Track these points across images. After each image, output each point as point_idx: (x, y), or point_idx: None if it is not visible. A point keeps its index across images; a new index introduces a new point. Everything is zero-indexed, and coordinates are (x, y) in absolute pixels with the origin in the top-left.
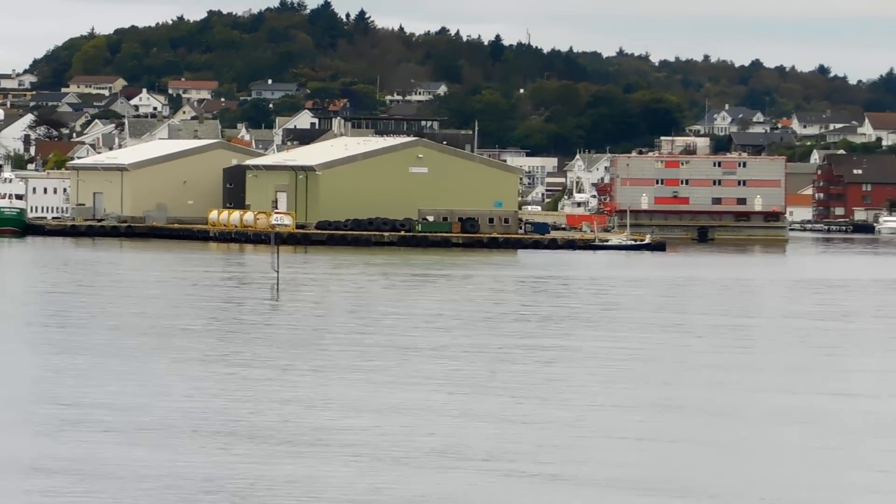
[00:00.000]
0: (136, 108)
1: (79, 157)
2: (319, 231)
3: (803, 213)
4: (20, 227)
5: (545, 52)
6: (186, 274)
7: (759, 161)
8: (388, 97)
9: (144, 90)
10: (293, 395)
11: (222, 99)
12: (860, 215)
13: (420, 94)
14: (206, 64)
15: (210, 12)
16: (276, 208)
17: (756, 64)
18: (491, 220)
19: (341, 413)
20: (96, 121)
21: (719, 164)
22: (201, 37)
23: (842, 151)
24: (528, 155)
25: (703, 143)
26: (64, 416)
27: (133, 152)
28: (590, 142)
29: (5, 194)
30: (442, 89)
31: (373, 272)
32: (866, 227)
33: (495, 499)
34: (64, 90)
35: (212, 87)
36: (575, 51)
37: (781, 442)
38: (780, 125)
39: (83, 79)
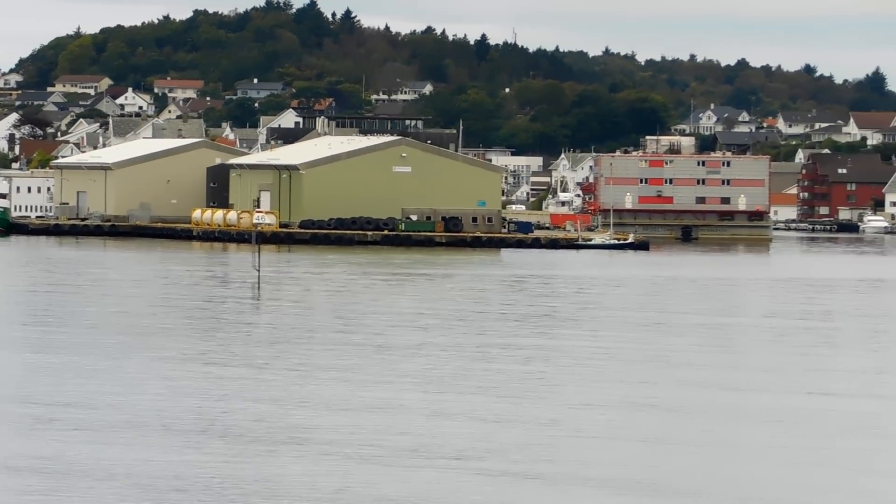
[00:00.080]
0: (122, 107)
1: (63, 157)
2: (303, 230)
3: (788, 213)
4: (3, 226)
5: (531, 51)
6: (168, 273)
7: (743, 160)
8: (374, 96)
9: (130, 89)
10: (268, 394)
11: (208, 98)
12: (845, 215)
13: (406, 93)
14: (191, 63)
15: (196, 11)
16: (258, 207)
17: (742, 63)
18: (474, 220)
19: (315, 411)
20: (81, 120)
21: (703, 164)
22: (187, 36)
23: (826, 151)
24: (513, 154)
25: (688, 142)
26: (37, 414)
27: (117, 151)
28: (575, 141)
29: None
30: (428, 89)
31: (355, 271)
32: (851, 227)
33: (462, 498)
34: (50, 89)
35: (197, 86)
36: (561, 50)
37: (754, 441)
38: (765, 125)
39: (69, 78)
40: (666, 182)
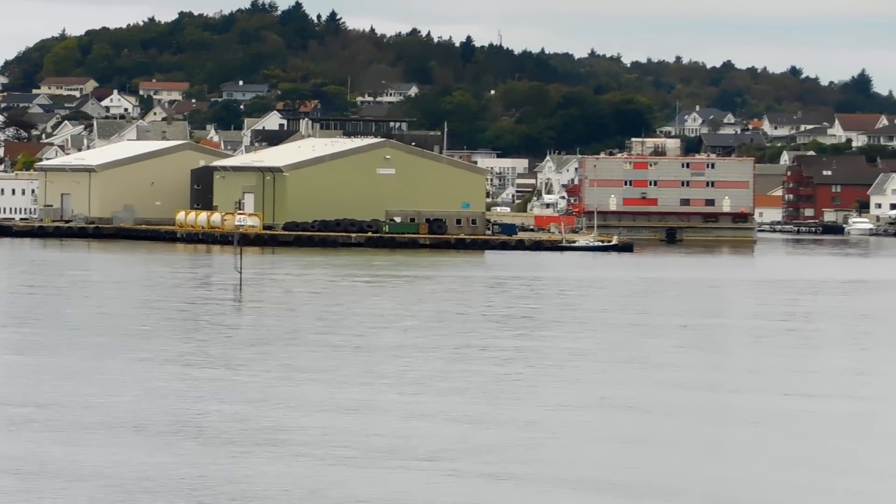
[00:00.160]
0: (108, 109)
1: (47, 159)
2: (286, 232)
3: (773, 215)
4: None
5: (516, 53)
6: (151, 274)
7: (728, 162)
8: (359, 98)
9: (115, 91)
10: (244, 395)
11: (193, 100)
12: (830, 216)
13: (391, 95)
14: (177, 65)
15: (181, 13)
16: (240, 209)
17: (728, 65)
18: (458, 222)
19: (291, 413)
20: (65, 122)
21: (688, 166)
22: (172, 38)
23: (811, 153)
24: (498, 156)
25: (673, 144)
26: (12, 415)
27: (101, 153)
28: (560, 143)
29: None
30: (413, 90)
31: (337, 273)
32: (836, 229)
33: (434, 499)
34: (35, 91)
35: (183, 88)
36: (546, 52)
37: (732, 441)
38: (751, 126)
39: (54, 80)
40: (650, 184)
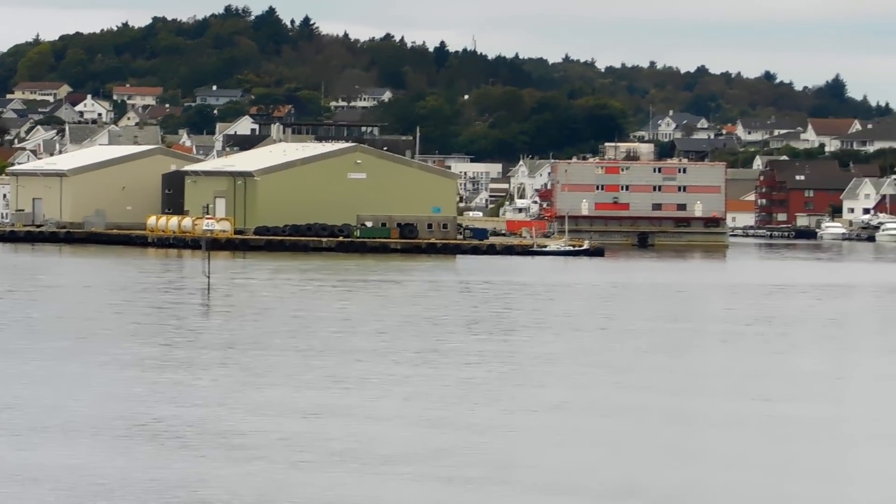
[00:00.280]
0: (81, 114)
1: (19, 164)
2: (257, 237)
3: (746, 219)
4: None
5: (490, 58)
6: (120, 279)
7: (700, 167)
8: (333, 103)
9: (89, 96)
10: (204, 399)
11: (167, 105)
12: (802, 221)
13: (365, 100)
14: (150, 70)
15: (155, 18)
16: (208, 214)
17: (702, 70)
18: (430, 226)
19: (249, 416)
20: (38, 127)
21: (659, 170)
22: (146, 43)
23: (784, 158)
24: (472, 161)
25: (647, 149)
26: None
27: (72, 158)
28: (534, 148)
29: None
30: (387, 95)
31: (307, 277)
32: (808, 233)
33: (388, 502)
34: (9, 96)
35: (156, 92)
36: (521, 57)
37: (690, 443)
38: (724, 131)
39: (28, 85)
40: (622, 189)
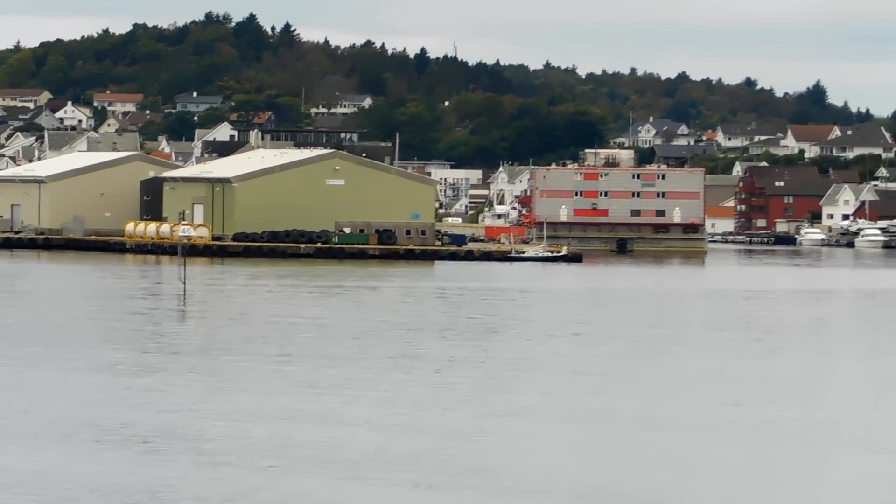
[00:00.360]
0: (62, 120)
1: None
2: (236, 243)
3: (725, 225)
4: None
5: (471, 65)
6: (97, 285)
7: (678, 173)
8: (314, 110)
9: (70, 103)
10: (173, 404)
11: (147, 111)
12: (782, 227)
13: (345, 106)
14: (131, 76)
15: (135, 25)
16: (184, 220)
17: (682, 76)
18: (408, 232)
19: (218, 421)
20: (17, 133)
21: (638, 177)
22: (126, 49)
23: (764, 164)
24: (452, 167)
25: (627, 155)
26: None
27: (51, 165)
28: (514, 154)
29: None
30: (367, 102)
31: (284, 283)
32: (788, 239)
33: None
34: None
35: (137, 99)
36: (502, 64)
37: (656, 449)
38: (704, 137)
39: (8, 91)
40: (601, 195)
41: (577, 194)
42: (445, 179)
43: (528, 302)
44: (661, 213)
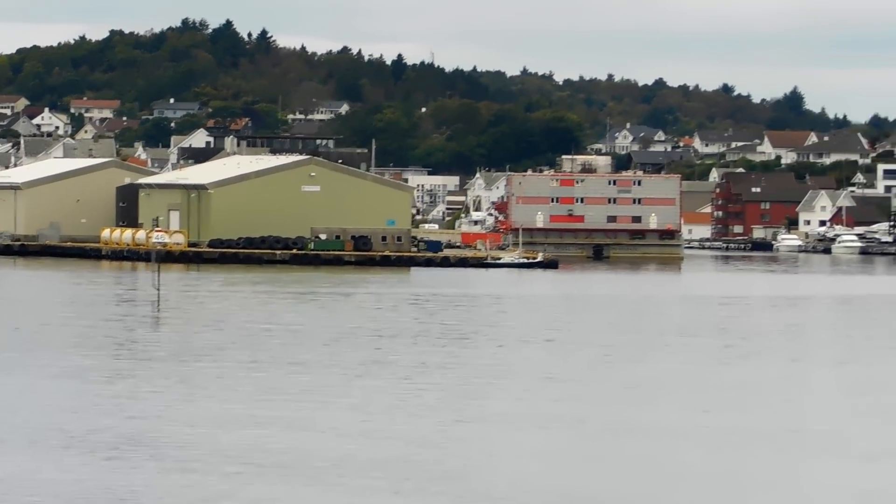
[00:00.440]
0: (39, 127)
1: None
2: (211, 249)
3: (702, 231)
4: None
5: (448, 71)
6: (71, 291)
7: (654, 179)
8: (290, 116)
9: (47, 109)
10: (142, 410)
11: (124, 118)
12: (759, 233)
13: (322, 112)
14: (108, 83)
15: (112, 32)
16: (158, 227)
17: (659, 83)
18: (384, 238)
19: (185, 428)
20: None
21: (614, 183)
22: (103, 56)
23: (741, 170)
24: (429, 173)
25: (604, 161)
26: None
27: (27, 171)
28: (491, 160)
29: None
30: (344, 108)
31: (259, 290)
32: (765, 245)
33: None
34: None
35: (114, 105)
36: (479, 70)
37: (625, 454)
38: (681, 144)
39: None
40: (577, 201)
41: (553, 200)
42: (423, 186)
43: (503, 308)
44: (637, 219)
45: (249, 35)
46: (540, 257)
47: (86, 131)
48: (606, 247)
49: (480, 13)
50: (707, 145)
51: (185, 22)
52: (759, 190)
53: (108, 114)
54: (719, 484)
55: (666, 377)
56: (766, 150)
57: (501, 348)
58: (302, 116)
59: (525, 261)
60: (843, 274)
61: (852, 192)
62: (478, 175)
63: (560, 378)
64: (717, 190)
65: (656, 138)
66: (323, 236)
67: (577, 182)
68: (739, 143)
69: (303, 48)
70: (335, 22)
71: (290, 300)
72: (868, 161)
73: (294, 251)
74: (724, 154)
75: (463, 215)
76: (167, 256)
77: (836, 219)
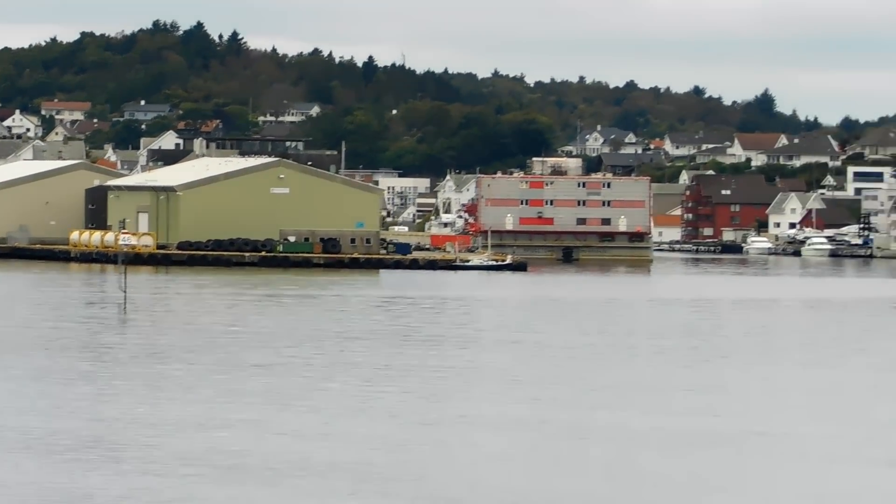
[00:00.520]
0: (10, 129)
1: None
2: (180, 252)
3: (672, 234)
4: None
5: (419, 73)
6: (38, 293)
7: (624, 182)
8: (261, 118)
9: (17, 111)
10: (101, 412)
11: (95, 120)
12: (729, 236)
13: (293, 114)
14: (79, 85)
15: (83, 33)
16: (124, 229)
17: (630, 85)
18: (353, 241)
19: (144, 430)
20: None
21: (584, 185)
22: (74, 58)
23: (711, 172)
24: (400, 176)
25: (575, 163)
26: None
27: None
28: (461, 163)
29: None
30: (315, 110)
31: (226, 292)
32: (735, 248)
33: None
34: None
35: (85, 108)
36: (450, 72)
37: (582, 457)
38: (652, 146)
39: None
40: (546, 203)
41: (522, 203)
42: (393, 188)
43: (469, 311)
44: (606, 221)
45: (220, 37)
46: (509, 259)
47: (56, 133)
48: (576, 249)
49: (451, 15)
50: (678, 147)
51: (156, 24)
52: (729, 192)
53: (79, 116)
54: (680, 486)
55: (631, 379)
56: (736, 152)
57: (466, 351)
58: (273, 118)
59: (494, 263)
60: (813, 276)
61: (822, 194)
62: (448, 177)
63: (525, 381)
64: (687, 192)
65: (627, 140)
66: (292, 238)
67: (547, 184)
68: (709, 146)
69: (273, 50)
70: (306, 23)
71: (256, 303)
72: (838, 163)
73: (263, 253)
74: (695, 156)
75: (433, 217)
76: (136, 259)
77: (805, 221)
